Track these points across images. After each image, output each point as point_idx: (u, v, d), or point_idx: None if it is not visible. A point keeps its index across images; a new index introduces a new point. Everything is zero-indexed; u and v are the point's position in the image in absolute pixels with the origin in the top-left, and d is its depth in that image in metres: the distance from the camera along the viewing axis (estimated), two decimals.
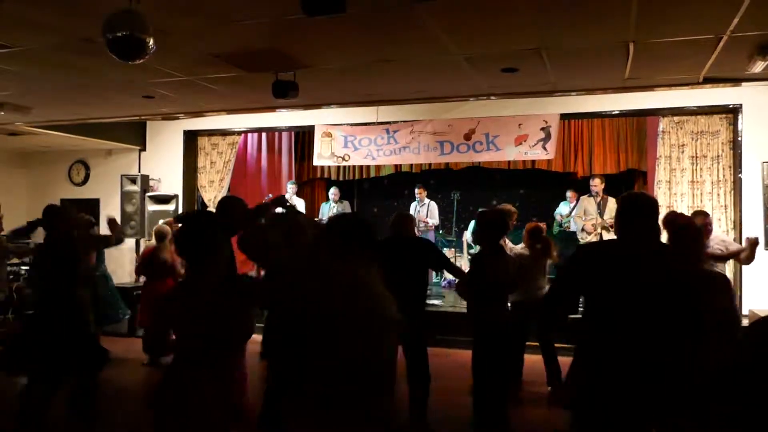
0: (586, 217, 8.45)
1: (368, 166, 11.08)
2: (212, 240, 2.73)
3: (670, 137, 8.08)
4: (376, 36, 4.64)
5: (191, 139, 10.11)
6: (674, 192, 8.00)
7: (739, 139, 7.60)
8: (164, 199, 9.66)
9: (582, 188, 9.02)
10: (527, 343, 5.83)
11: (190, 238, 2.75)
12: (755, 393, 1.88)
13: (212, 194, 9.99)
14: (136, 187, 9.73)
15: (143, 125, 10.23)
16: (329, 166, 10.97)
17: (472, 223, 9.85)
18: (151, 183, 10.00)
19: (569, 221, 8.98)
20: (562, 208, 9.25)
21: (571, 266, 2.95)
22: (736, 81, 6.26)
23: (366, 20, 4.21)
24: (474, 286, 4.55)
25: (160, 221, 8.36)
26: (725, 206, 7.73)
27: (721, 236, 5.84)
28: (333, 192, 10.21)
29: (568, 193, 9.20)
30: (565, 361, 5.99)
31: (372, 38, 4.70)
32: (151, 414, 2.59)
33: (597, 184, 8.44)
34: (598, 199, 8.40)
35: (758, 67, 5.05)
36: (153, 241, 7.15)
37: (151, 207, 9.59)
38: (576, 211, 8.73)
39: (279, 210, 4.88)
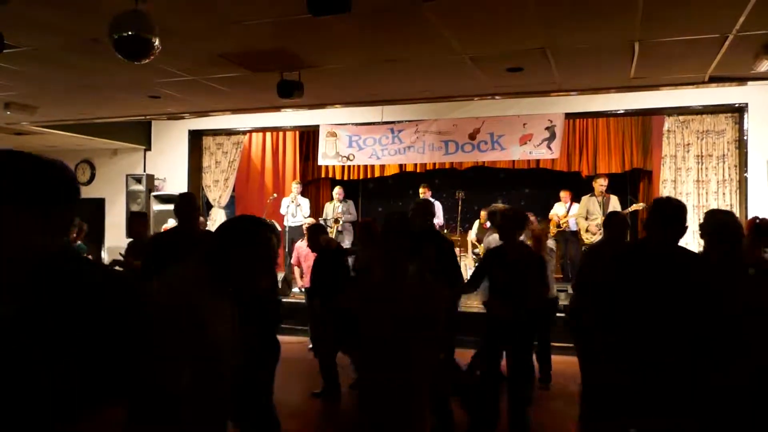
0: (590, 216, 8.43)
1: (373, 166, 11.10)
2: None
3: (675, 136, 8.07)
4: (381, 36, 4.64)
5: (196, 138, 10.14)
6: (679, 191, 7.99)
7: (745, 138, 7.58)
8: (169, 199, 9.67)
9: (586, 188, 9.01)
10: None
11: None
12: None
13: (217, 194, 10.02)
14: (141, 187, 9.77)
15: (148, 125, 10.26)
16: (334, 166, 11.00)
17: (476, 223, 9.86)
18: (156, 182, 10.04)
19: (567, 221, 9.00)
20: (558, 209, 9.29)
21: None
22: (741, 80, 6.25)
23: (371, 20, 4.22)
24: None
25: (170, 220, 8.37)
26: (731, 205, 7.71)
27: None
28: (337, 191, 10.23)
29: (562, 194, 9.22)
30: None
31: (377, 38, 4.70)
32: None
33: (603, 183, 8.42)
34: (601, 198, 8.38)
35: (764, 66, 5.02)
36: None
37: (156, 206, 9.61)
38: (577, 211, 8.73)
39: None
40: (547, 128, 8.38)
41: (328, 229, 9.48)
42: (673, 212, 2.73)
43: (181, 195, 4.52)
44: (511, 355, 4.25)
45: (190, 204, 4.44)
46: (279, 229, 9.66)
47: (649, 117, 8.98)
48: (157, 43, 3.76)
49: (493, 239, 5.99)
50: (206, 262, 1.88)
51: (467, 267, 8.82)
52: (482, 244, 9.50)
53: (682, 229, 2.75)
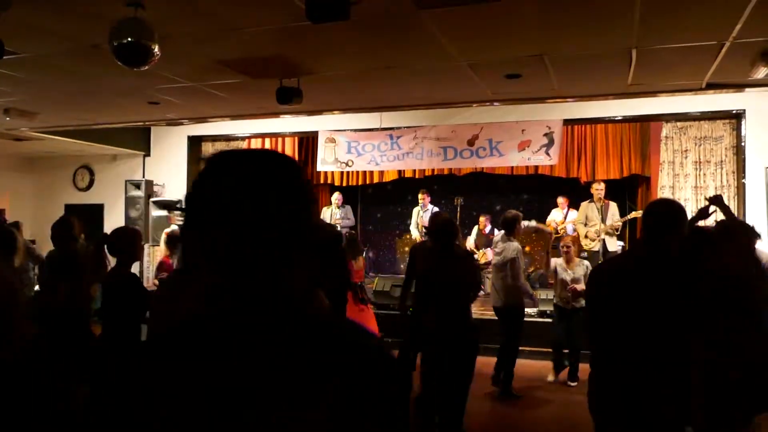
0: (589, 223, 8.44)
1: (372, 172, 11.09)
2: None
3: (673, 143, 8.09)
4: (380, 42, 4.66)
5: (195, 144, 10.16)
6: (678, 197, 8.00)
7: (743, 144, 7.61)
8: (168, 205, 9.68)
9: (585, 194, 9.02)
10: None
11: None
12: None
13: None
14: (140, 193, 9.77)
15: (148, 131, 10.28)
16: (333, 172, 10.98)
17: (475, 229, 9.88)
18: (156, 188, 10.04)
19: (564, 227, 9.02)
20: (555, 215, 9.30)
21: None
22: (739, 87, 6.26)
23: (370, 27, 4.23)
24: None
25: (173, 226, 8.33)
26: None
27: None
28: (336, 197, 10.23)
29: (559, 200, 9.22)
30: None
31: (376, 45, 4.72)
32: None
33: (600, 188, 8.43)
34: (599, 204, 8.38)
35: (761, 73, 5.04)
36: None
37: (155, 212, 9.61)
38: (576, 217, 8.74)
39: None
40: (545, 134, 8.40)
41: None
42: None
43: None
44: None
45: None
46: None
47: (647, 123, 9.00)
48: (156, 49, 3.78)
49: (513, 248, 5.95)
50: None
51: None
52: (480, 250, 9.52)
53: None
